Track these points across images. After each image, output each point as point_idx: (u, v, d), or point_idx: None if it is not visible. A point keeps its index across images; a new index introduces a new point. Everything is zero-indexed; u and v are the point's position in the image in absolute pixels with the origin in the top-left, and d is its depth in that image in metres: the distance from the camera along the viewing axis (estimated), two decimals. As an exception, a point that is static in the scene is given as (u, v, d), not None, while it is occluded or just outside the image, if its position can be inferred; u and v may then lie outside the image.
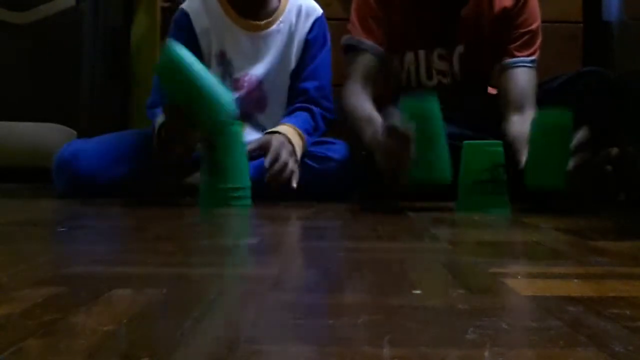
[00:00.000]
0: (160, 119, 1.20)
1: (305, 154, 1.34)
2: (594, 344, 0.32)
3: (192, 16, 1.43)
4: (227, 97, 1.12)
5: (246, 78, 1.43)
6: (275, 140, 1.27)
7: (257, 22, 1.43)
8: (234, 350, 0.30)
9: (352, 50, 1.34)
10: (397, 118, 1.03)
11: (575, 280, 0.49)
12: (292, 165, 1.25)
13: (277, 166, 1.22)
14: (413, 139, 1.01)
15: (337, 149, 1.38)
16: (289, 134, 1.31)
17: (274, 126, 1.36)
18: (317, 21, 1.47)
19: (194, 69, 1.07)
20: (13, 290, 0.43)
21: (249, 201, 1.14)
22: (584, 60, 1.99)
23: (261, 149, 1.27)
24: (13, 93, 1.93)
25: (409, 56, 1.39)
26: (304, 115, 1.41)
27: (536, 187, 1.08)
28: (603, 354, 0.30)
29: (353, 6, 1.37)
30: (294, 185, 1.24)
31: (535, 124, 1.09)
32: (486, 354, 0.30)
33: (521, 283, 0.47)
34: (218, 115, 1.10)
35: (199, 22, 1.43)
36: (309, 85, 1.44)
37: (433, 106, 1.09)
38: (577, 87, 1.35)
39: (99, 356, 0.30)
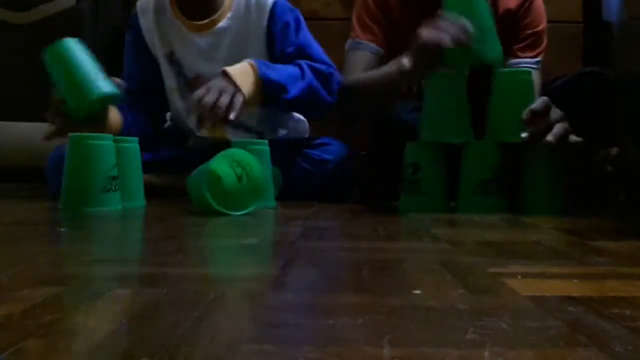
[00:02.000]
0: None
1: (268, 90, 1.24)
2: (594, 344, 0.32)
3: (139, 13, 1.42)
4: (100, 84, 1.14)
5: (200, 81, 1.36)
6: (210, 82, 1.19)
7: (201, 22, 1.38)
8: (234, 350, 0.30)
9: (352, 49, 1.34)
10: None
11: (575, 280, 0.49)
12: (225, 98, 1.15)
13: (207, 99, 1.14)
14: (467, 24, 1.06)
15: (333, 150, 1.37)
16: (235, 70, 1.21)
17: (260, 126, 1.35)
18: (274, 8, 1.37)
19: (71, 58, 1.13)
20: (13, 290, 0.43)
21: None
22: (584, 60, 1.99)
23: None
24: (13, 93, 1.93)
25: None
26: (280, 65, 1.32)
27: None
28: (603, 354, 0.30)
29: (354, 11, 1.38)
30: (232, 116, 1.15)
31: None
32: (486, 354, 0.30)
33: (521, 283, 0.47)
34: (83, 99, 1.13)
35: (145, 20, 1.41)
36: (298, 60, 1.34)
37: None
38: (577, 88, 1.35)
39: (99, 356, 0.30)
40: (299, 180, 1.32)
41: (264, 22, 1.38)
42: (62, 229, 0.86)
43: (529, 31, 1.33)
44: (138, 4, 1.44)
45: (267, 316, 0.38)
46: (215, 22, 1.38)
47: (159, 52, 1.42)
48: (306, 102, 1.30)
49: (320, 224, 0.92)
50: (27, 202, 1.30)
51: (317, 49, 1.38)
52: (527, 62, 1.31)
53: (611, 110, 1.35)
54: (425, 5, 1.35)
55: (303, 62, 1.31)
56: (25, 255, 0.60)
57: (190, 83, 1.40)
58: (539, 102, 1.05)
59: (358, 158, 1.39)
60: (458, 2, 1.11)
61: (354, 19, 1.37)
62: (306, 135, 1.55)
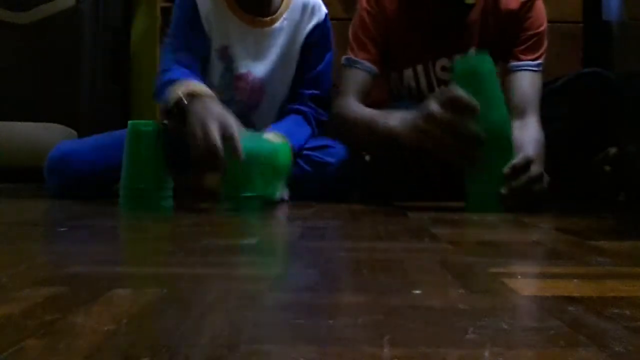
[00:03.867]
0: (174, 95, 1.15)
1: (296, 155, 1.31)
2: (594, 344, 0.32)
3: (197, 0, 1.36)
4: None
5: (250, 77, 1.39)
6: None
7: (262, 18, 1.39)
8: (234, 350, 0.30)
9: (347, 67, 1.35)
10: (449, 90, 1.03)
11: (575, 280, 0.49)
12: None
13: None
14: (477, 106, 1.01)
15: (334, 152, 1.37)
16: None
17: (264, 124, 1.35)
18: (320, 23, 1.43)
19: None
20: (13, 290, 0.43)
21: (170, 202, 1.15)
22: (584, 60, 1.99)
23: None
24: (13, 93, 1.93)
25: (408, 72, 1.38)
26: (297, 118, 1.39)
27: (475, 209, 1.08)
28: (603, 354, 0.30)
29: (351, 26, 1.38)
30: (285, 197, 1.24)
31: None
32: (486, 354, 0.30)
33: (521, 283, 0.47)
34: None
35: (204, 8, 1.36)
36: (309, 93, 1.42)
37: (487, 65, 1.08)
38: (577, 88, 1.35)
39: (99, 356, 0.30)
40: (300, 183, 1.31)
41: (308, 31, 1.41)
42: (62, 229, 0.86)
43: (531, 32, 1.32)
44: None
45: (267, 316, 0.38)
46: (274, 20, 1.40)
47: (213, 45, 1.38)
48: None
49: (320, 224, 0.92)
50: (27, 202, 1.30)
51: (329, 85, 1.46)
52: (529, 65, 1.31)
53: (611, 110, 1.35)
54: (423, 17, 1.34)
55: (310, 115, 1.40)
56: (25, 255, 0.60)
57: (237, 79, 1.40)
58: (520, 157, 1.06)
59: (360, 161, 1.38)
60: (465, 77, 1.07)
61: (350, 35, 1.38)
62: None
